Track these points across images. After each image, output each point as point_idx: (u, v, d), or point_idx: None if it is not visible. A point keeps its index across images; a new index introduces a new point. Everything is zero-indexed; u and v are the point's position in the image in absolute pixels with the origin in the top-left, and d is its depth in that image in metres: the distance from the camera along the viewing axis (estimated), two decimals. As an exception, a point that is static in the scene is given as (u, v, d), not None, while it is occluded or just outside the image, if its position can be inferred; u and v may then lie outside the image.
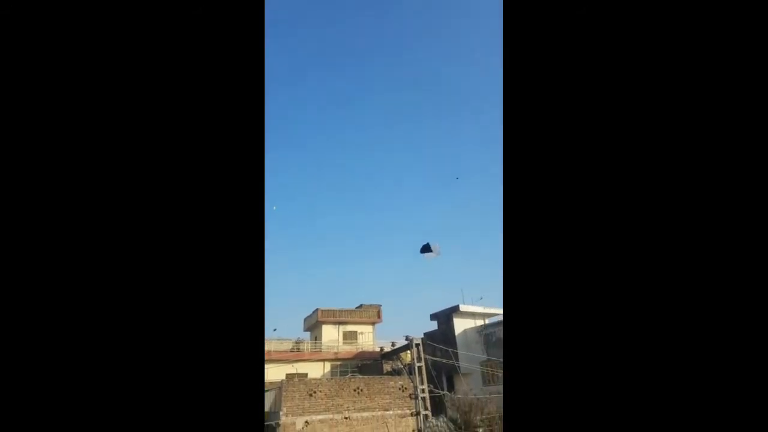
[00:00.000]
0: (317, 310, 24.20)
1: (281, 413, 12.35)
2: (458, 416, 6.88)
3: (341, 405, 13.28)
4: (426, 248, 5.78)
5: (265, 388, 13.98)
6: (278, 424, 12.10)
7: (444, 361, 13.93)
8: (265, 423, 12.45)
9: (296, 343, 22.79)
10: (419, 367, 10.47)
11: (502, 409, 7.03)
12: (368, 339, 23.99)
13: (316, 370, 20.36)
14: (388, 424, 11.31)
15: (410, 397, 11.22)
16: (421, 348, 10.96)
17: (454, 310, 20.68)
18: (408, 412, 12.50)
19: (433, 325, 21.70)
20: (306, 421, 12.55)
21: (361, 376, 16.36)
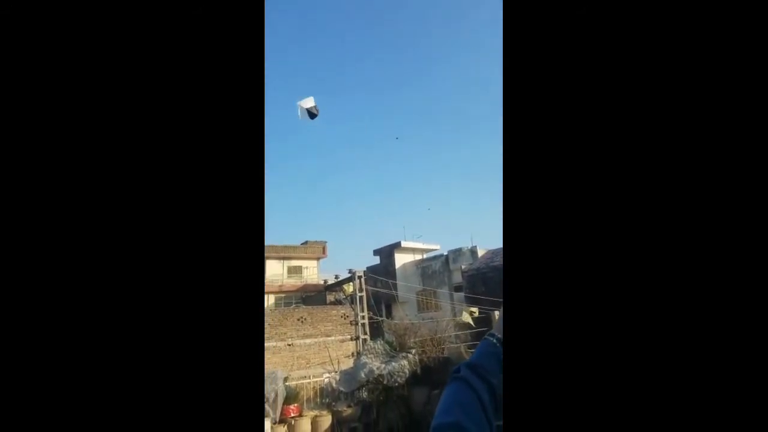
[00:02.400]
0: (260, 245, 23.98)
1: (225, 342, 12.63)
2: (394, 339, 7.56)
3: (285, 333, 13.90)
4: (310, 113, 5.39)
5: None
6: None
7: (384, 291, 14.88)
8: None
9: (239, 277, 22.67)
10: (360, 297, 11.10)
11: (434, 332, 7.86)
12: (313, 273, 24.63)
13: (260, 303, 20.68)
14: (329, 348, 12.15)
15: (351, 324, 12.02)
16: (363, 280, 11.53)
17: (396, 246, 21.65)
18: (348, 337, 13.45)
19: (376, 260, 22.67)
20: (250, 349, 13.01)
21: (305, 307, 17.03)
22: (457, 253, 19.17)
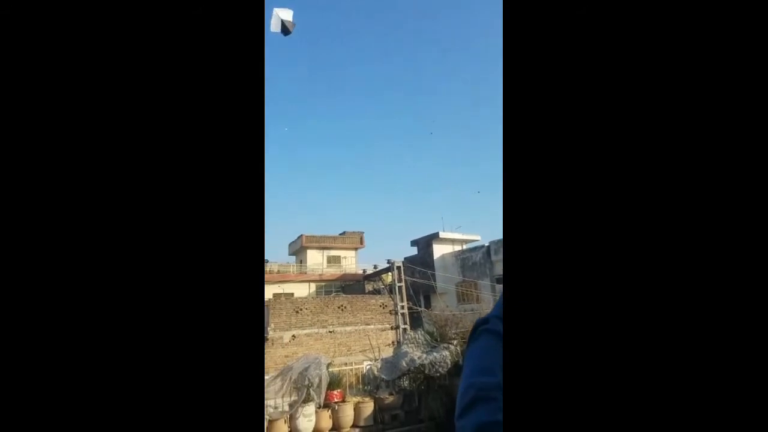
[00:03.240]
0: (302, 236, 24.71)
1: (269, 328, 13.21)
2: (434, 330, 7.51)
3: (326, 320, 14.26)
4: (284, 27, 5.06)
5: (253, 306, 14.68)
6: (266, 338, 13.00)
7: (422, 281, 14.84)
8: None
9: (281, 266, 23.53)
10: (399, 287, 11.14)
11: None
12: (351, 263, 25.05)
13: (301, 291, 21.42)
14: (369, 337, 12.34)
15: (390, 313, 12.12)
16: (402, 270, 11.55)
17: (434, 237, 21.46)
18: (388, 326, 13.57)
19: (414, 251, 22.63)
20: (293, 335, 13.52)
21: (344, 295, 17.38)
22: (500, 244, 18.69)
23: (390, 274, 12.48)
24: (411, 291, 12.52)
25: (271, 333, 13.13)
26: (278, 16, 5.05)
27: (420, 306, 12.91)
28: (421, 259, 20.98)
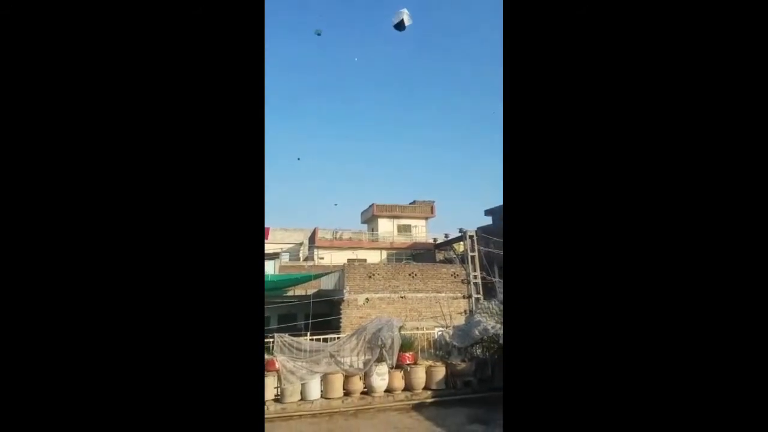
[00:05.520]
0: (373, 204, 25.28)
1: (345, 291, 13.94)
2: (509, 300, 7.20)
3: (397, 286, 14.60)
4: (400, 25, 5.94)
5: (330, 271, 15.65)
6: (342, 300, 13.76)
7: (497, 252, 14.32)
8: (330, 299, 14.21)
9: (354, 233, 24.50)
10: (472, 257, 10.87)
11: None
12: (422, 232, 25.12)
13: (373, 257, 22.15)
14: (441, 304, 12.39)
15: (462, 282, 11.95)
16: (475, 240, 11.22)
17: (510, 206, 20.43)
18: (460, 295, 13.47)
19: (488, 221, 21.86)
20: (366, 298, 14.12)
21: (415, 263, 17.58)
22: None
23: (462, 243, 12.21)
24: (485, 261, 12.16)
25: (346, 295, 13.86)
26: (400, 14, 5.68)
27: (495, 276, 12.54)
28: (497, 229, 20.19)
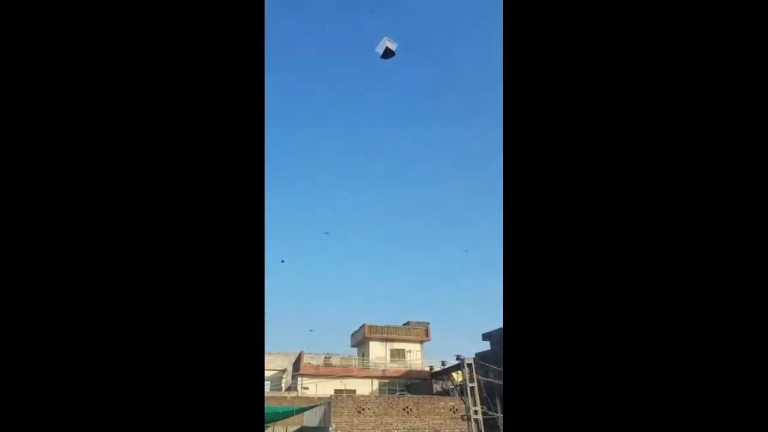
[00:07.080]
0: (364, 325, 24.16)
1: (330, 429, 12.28)
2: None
3: (390, 424, 12.96)
4: (387, 53, 5.63)
5: (315, 404, 14.02)
6: (327, 441, 12.02)
7: (498, 382, 13.19)
8: (315, 438, 12.41)
9: (343, 359, 22.81)
10: (471, 388, 9.98)
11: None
12: (416, 357, 23.44)
13: (364, 387, 20.17)
14: (439, 447, 10.79)
15: (462, 419, 10.66)
16: (473, 368, 10.47)
17: (507, 330, 19.61)
18: (460, 435, 11.88)
19: (485, 346, 20.72)
20: (354, 439, 12.35)
21: (410, 395, 15.93)
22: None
23: (460, 372, 11.32)
24: (485, 393, 11.13)
25: (331, 435, 12.15)
26: (385, 43, 5.97)
27: (496, 411, 11.30)
28: (496, 356, 19.00)
